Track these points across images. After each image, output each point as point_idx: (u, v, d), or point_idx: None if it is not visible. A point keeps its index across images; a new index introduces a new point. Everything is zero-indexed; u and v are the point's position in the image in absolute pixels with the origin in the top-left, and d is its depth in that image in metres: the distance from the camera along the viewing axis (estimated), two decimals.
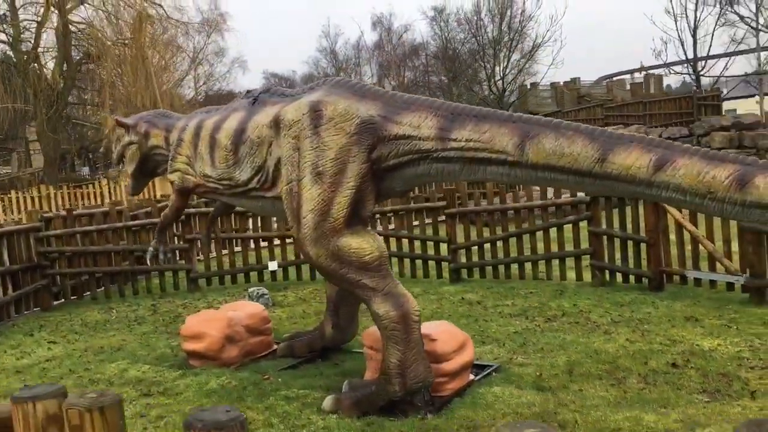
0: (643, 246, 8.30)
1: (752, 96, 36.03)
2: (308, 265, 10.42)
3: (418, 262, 10.00)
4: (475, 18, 50.42)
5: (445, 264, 9.73)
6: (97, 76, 31.61)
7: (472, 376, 5.42)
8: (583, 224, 8.90)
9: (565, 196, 9.02)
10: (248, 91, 6.07)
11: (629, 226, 8.47)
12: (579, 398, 4.81)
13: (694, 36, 31.01)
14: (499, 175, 4.53)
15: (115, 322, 8.57)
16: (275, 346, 6.71)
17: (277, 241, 10.54)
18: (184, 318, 8.27)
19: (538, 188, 9.97)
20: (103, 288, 10.23)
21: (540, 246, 9.19)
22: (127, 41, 28.96)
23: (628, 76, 46.01)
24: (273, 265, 10.28)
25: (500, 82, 39.30)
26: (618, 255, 8.58)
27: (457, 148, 4.55)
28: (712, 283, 7.80)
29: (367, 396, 4.86)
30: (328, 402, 4.96)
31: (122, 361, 6.60)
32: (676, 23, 31.21)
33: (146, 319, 8.58)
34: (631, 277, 8.49)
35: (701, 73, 31.44)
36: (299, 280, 10.35)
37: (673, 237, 8.19)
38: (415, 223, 10.32)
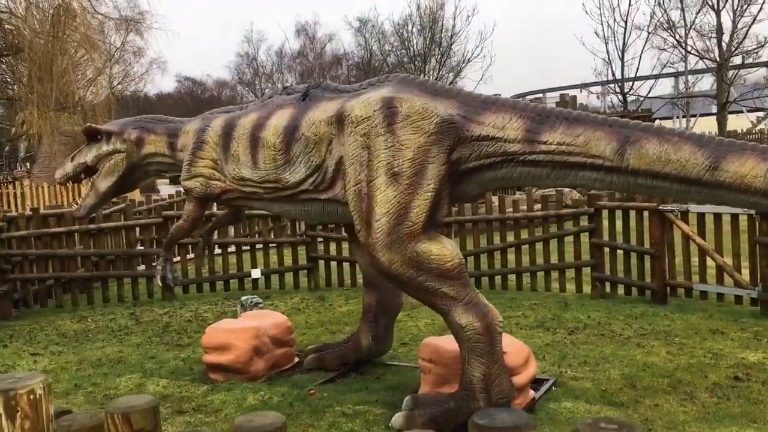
0: (646, 258, 8.34)
1: (671, 118, 37.84)
2: (291, 274, 9.99)
3: None
4: (402, 31, 51.02)
5: None
6: (17, 70, 29.77)
7: (532, 392, 5.20)
8: (584, 236, 8.88)
9: (567, 208, 8.98)
10: (285, 87, 5.66)
11: (632, 238, 8.50)
12: (661, 414, 4.67)
13: (622, 58, 32.13)
14: (592, 181, 4.36)
15: (96, 332, 7.87)
16: (296, 359, 6.29)
17: (259, 247, 10.03)
18: (175, 328, 7.74)
19: (539, 197, 9.90)
20: (70, 295, 9.42)
21: (539, 257, 9.11)
22: (44, 34, 27.29)
23: (541, 95, 47.46)
24: (256, 273, 9.77)
25: None
26: (620, 267, 8.59)
27: (548, 152, 4.34)
28: (719, 296, 7.90)
29: (444, 413, 4.55)
30: (398, 419, 4.62)
31: (132, 375, 6.02)
32: (606, 46, 32.01)
33: (132, 329, 7.92)
34: (634, 290, 8.52)
35: (627, 93, 32.64)
36: (282, 289, 9.88)
37: (678, 250, 8.26)
38: None
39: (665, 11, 26.18)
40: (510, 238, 9.25)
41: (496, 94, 5.49)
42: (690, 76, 29.84)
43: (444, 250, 4.55)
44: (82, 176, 6.53)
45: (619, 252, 8.62)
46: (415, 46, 49.94)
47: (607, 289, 8.66)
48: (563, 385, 5.36)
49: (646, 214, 8.29)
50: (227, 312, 8.57)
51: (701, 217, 7.99)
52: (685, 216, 8.03)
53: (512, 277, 9.25)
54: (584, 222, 8.84)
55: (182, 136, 6.04)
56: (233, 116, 5.66)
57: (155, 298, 9.56)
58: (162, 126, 6.22)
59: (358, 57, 55.98)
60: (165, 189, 39.81)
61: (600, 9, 32.88)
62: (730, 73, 24.62)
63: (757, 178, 3.82)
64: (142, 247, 9.94)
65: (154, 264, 10.07)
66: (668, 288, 8.21)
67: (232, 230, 10.51)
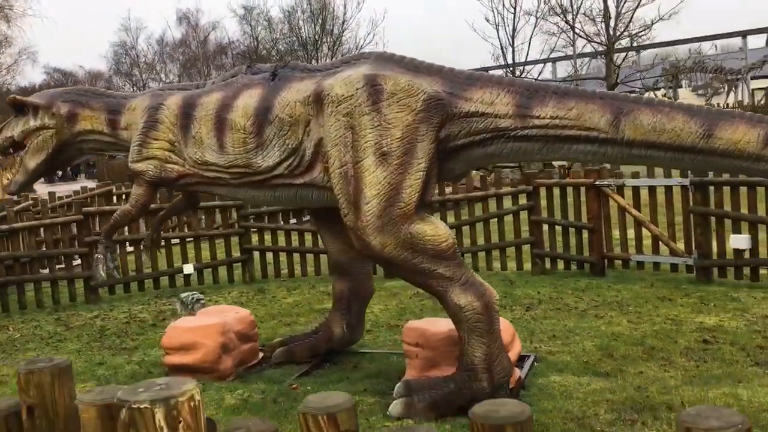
0: (584, 233, 8.57)
1: None
2: (225, 267, 9.58)
3: None
4: (290, 18, 50.39)
5: None
6: None
7: (518, 370, 5.19)
8: (523, 214, 9.02)
9: (506, 187, 9.09)
10: (249, 66, 5.34)
11: (570, 214, 8.71)
12: (649, 380, 4.78)
13: (512, 44, 32.99)
14: (585, 154, 4.38)
15: (23, 341, 7.22)
16: (260, 354, 6.01)
17: (189, 240, 9.55)
18: (113, 331, 7.24)
19: (477, 177, 9.96)
20: None
21: (480, 237, 9.17)
22: None
23: None
24: (188, 268, 9.29)
25: None
26: (558, 243, 8.79)
27: (540, 126, 4.32)
28: (656, 265, 8.23)
29: (445, 395, 4.45)
30: (397, 407, 4.48)
31: (85, 384, 5.54)
32: (497, 32, 32.75)
33: (63, 335, 7.33)
34: (573, 264, 8.74)
35: (519, 77, 33.62)
36: (216, 284, 9.46)
37: (614, 223, 8.55)
38: None
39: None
40: (450, 219, 9.25)
41: None
42: (581, 60, 31.14)
43: (438, 230, 4.44)
44: (10, 151, 5.96)
45: (558, 228, 8.83)
46: (306, 33, 49.50)
47: (547, 265, 8.85)
48: (543, 360, 5.39)
49: (583, 189, 8.51)
50: (164, 311, 8.10)
51: (636, 190, 8.28)
52: (620, 190, 8.31)
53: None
54: (523, 200, 8.97)
55: (126, 113, 5.60)
56: (192, 95, 5.29)
57: (78, 301, 8.90)
58: (99, 101, 5.74)
59: (245, 45, 54.86)
60: (41, 188, 37.64)
61: None
62: (620, 56, 25.90)
63: (749, 143, 3.93)
64: (63, 248, 9.21)
65: (75, 264, 9.40)
66: (606, 260, 8.48)
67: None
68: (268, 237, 9.65)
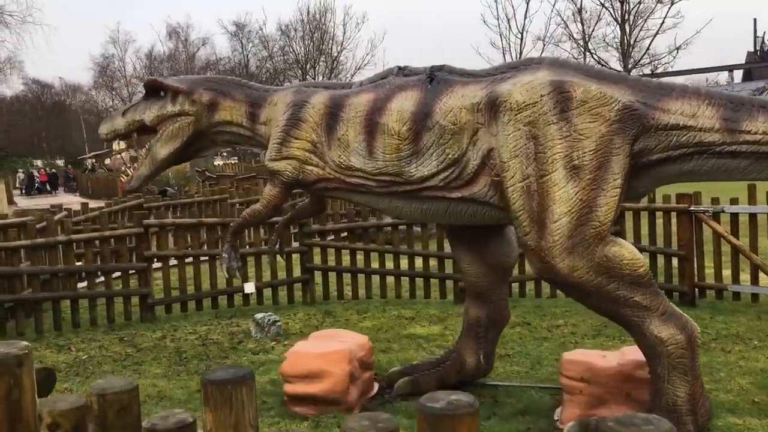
0: (674, 261, 8.20)
1: None
2: (286, 287, 9.04)
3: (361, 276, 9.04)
4: (284, 37, 50.23)
5: (450, 282, 8.90)
6: None
7: None
8: None
9: None
10: (402, 68, 4.90)
11: (659, 239, 8.35)
12: None
13: None
14: None
15: (94, 363, 6.63)
16: (375, 384, 5.52)
17: (249, 256, 9.01)
18: (192, 353, 6.69)
19: None
20: (33, 319, 7.97)
21: None
22: None
23: None
24: (249, 287, 8.74)
25: None
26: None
27: (752, 142, 3.93)
28: (754, 297, 7.86)
29: None
30: None
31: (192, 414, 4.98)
32: (504, 56, 32.70)
33: (137, 357, 6.76)
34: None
35: None
36: (275, 304, 8.91)
37: (709, 250, 8.17)
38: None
39: (566, 24, 27.12)
40: None
41: None
42: None
43: (635, 254, 4.04)
44: (134, 135, 5.48)
45: (646, 255, 8.43)
46: (299, 52, 49.29)
47: None
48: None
49: (674, 214, 8.15)
50: (236, 332, 7.55)
51: (734, 217, 7.93)
52: (716, 217, 7.95)
53: (530, 285, 8.84)
54: None
55: (267, 107, 5.16)
56: (340, 94, 4.85)
57: (134, 320, 8.31)
58: (241, 91, 5.31)
59: (234, 62, 54.53)
60: (24, 201, 36.60)
61: (498, 20, 33.57)
62: None
63: None
64: (121, 262, 8.60)
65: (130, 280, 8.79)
66: (696, 290, 8.10)
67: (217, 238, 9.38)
68: (331, 257, 9.15)
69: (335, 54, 47.88)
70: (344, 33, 46.36)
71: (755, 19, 41.71)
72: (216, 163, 49.79)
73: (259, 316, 7.46)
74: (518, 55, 32.60)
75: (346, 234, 9.21)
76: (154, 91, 5.44)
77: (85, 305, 8.21)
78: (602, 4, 26.01)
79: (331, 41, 48.04)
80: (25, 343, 1.55)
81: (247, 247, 9.29)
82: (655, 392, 4.03)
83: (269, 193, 5.05)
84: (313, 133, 4.84)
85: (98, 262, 8.18)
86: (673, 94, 4.11)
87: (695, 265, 8.08)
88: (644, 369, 4.47)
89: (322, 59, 48.45)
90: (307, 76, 49.22)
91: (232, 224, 5.39)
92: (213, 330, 7.70)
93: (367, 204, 4.99)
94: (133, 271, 8.51)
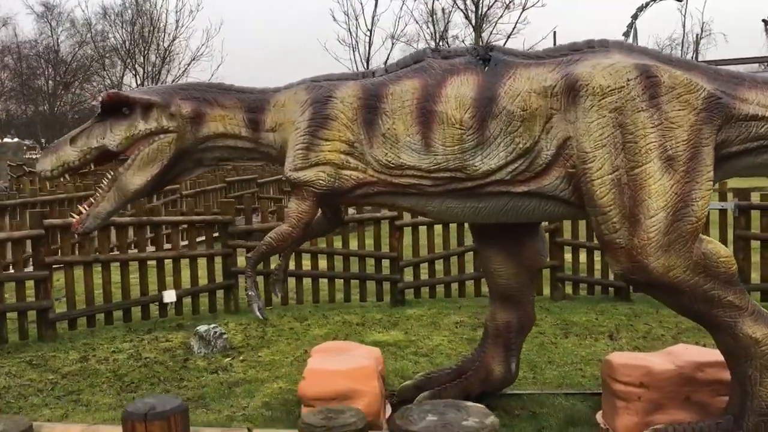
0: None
1: None
2: (207, 295, 8.08)
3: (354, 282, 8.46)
4: (100, 22, 46.96)
5: (387, 284, 8.42)
6: None
7: None
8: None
9: None
10: (437, 49, 4.36)
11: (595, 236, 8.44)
12: None
13: (367, 68, 33.07)
14: None
15: (14, 395, 5.41)
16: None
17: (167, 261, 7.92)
18: (139, 378, 5.77)
19: None
20: None
21: None
22: None
23: None
24: (170, 296, 7.68)
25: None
26: (582, 267, 8.48)
27: None
28: None
29: None
30: None
31: None
32: (353, 53, 32.69)
33: (68, 386, 5.62)
34: (597, 288, 8.46)
35: None
36: (195, 314, 7.92)
37: None
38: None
39: (419, 24, 27.53)
40: (468, 240, 8.56)
41: None
42: None
43: (728, 251, 3.87)
44: (89, 168, 4.41)
45: (582, 251, 8.51)
46: (120, 40, 46.20)
47: (568, 290, 8.49)
48: None
49: None
50: (173, 348, 6.56)
51: None
52: None
53: (470, 284, 8.59)
54: (545, 222, 8.53)
55: (272, 110, 4.35)
56: (374, 83, 4.20)
57: (30, 339, 6.97)
58: (230, 96, 4.41)
59: (43, 46, 50.02)
60: None
61: (347, 17, 33.38)
62: None
63: None
64: (15, 271, 7.15)
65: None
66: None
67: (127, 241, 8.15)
68: None
69: (167, 43, 45.30)
70: (177, 21, 43.84)
71: None
72: (30, 156, 45.17)
73: (202, 328, 6.52)
74: (368, 54, 32.63)
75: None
76: (114, 108, 4.34)
77: None
78: (457, 6, 26.79)
79: (157, 30, 45.32)
80: None
81: (160, 248, 8.15)
82: (743, 395, 3.85)
83: (298, 209, 4.23)
84: (347, 132, 4.15)
85: None
86: (745, 83, 3.97)
87: None
88: (704, 370, 4.33)
89: (153, 48, 45.63)
90: (137, 66, 46.22)
91: (253, 253, 4.41)
92: (142, 347, 6.63)
93: (412, 208, 4.36)
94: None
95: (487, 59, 4.13)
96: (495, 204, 4.13)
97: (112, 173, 4.34)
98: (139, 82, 45.42)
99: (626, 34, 38.14)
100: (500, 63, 4.10)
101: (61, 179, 4.44)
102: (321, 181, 4.15)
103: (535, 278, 4.95)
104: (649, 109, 3.77)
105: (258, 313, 4.31)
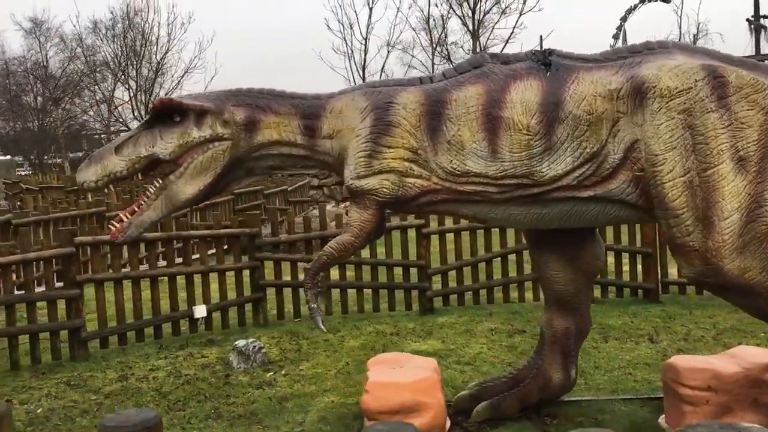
0: (638, 258, 8.32)
1: None
2: (236, 309, 7.99)
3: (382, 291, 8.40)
4: (92, 36, 46.71)
5: (415, 293, 8.36)
6: None
7: None
8: None
9: None
10: (494, 54, 4.33)
11: (623, 238, 8.44)
12: None
13: (363, 76, 33.08)
14: None
15: (53, 419, 5.32)
16: None
17: (197, 277, 7.83)
18: (185, 396, 5.67)
19: None
20: None
21: (512, 267, 8.58)
22: None
23: None
24: (200, 311, 7.60)
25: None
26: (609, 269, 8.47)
27: None
28: None
29: None
30: None
31: None
32: (349, 61, 32.67)
33: (111, 406, 5.53)
34: (626, 291, 8.45)
35: None
36: (225, 328, 7.83)
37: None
38: None
39: (416, 31, 27.61)
40: (495, 247, 8.53)
41: None
42: None
43: None
44: (137, 176, 4.31)
45: (611, 254, 8.49)
46: (110, 54, 45.95)
47: (596, 293, 8.46)
48: None
49: None
50: (211, 364, 6.48)
51: None
52: None
53: (498, 290, 8.55)
54: None
55: (328, 117, 4.28)
56: (436, 89, 4.16)
57: (63, 358, 6.88)
58: (284, 102, 4.34)
59: (31, 62, 49.68)
60: None
61: (342, 25, 33.44)
62: None
63: None
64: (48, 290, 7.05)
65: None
66: (659, 286, 8.29)
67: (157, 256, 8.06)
68: (288, 269, 8.22)
69: (160, 56, 45.06)
70: (169, 33, 43.64)
71: None
72: (22, 173, 44.79)
73: (240, 343, 6.45)
74: (363, 61, 32.64)
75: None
76: (163, 115, 4.24)
77: (4, 345, 6.66)
78: (454, 12, 26.88)
79: (148, 43, 45.04)
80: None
81: (187, 262, 8.07)
82: None
83: (360, 218, 4.16)
84: (411, 138, 4.10)
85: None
86: None
87: (658, 263, 8.26)
88: None
89: (145, 62, 45.40)
90: (129, 80, 45.99)
91: (312, 264, 4.31)
92: (179, 364, 6.54)
93: (475, 216, 4.31)
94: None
95: (548, 63, 4.10)
96: (559, 209, 4.10)
97: (159, 181, 4.26)
98: (131, 96, 45.19)
99: (615, 37, 38.35)
100: (561, 67, 4.07)
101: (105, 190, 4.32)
102: (384, 190, 4.10)
103: (592, 283, 4.92)
104: (718, 109, 3.75)
105: (322, 326, 4.24)
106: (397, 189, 4.11)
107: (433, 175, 4.10)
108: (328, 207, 17.05)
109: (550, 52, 4.21)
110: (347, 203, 15.84)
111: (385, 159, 4.10)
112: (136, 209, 4.28)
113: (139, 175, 4.32)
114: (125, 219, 4.26)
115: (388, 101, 4.17)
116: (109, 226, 4.41)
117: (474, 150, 4.01)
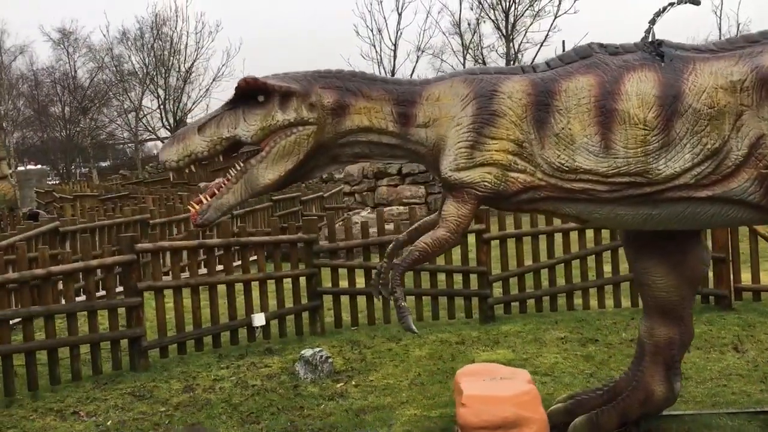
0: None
1: None
2: (293, 316, 7.79)
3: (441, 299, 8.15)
4: (118, 47, 47.00)
5: (475, 300, 8.11)
6: None
7: None
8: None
9: None
10: (603, 45, 4.05)
11: None
12: None
13: None
14: None
15: (133, 423, 5.14)
16: None
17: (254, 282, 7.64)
18: (255, 407, 5.43)
19: None
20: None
21: (590, 272, 8.27)
22: None
23: None
24: (259, 320, 7.42)
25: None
26: None
27: None
28: None
29: None
30: None
31: None
32: (378, 67, 32.52)
33: (183, 417, 5.34)
34: (697, 297, 8.10)
35: None
36: (283, 337, 7.64)
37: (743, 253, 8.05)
38: None
39: (446, 36, 27.45)
40: (559, 252, 8.25)
41: None
42: None
43: None
44: (218, 158, 4.09)
45: None
46: (138, 64, 46.21)
47: None
48: None
49: None
50: (276, 375, 6.28)
51: None
52: None
53: (561, 297, 8.26)
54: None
55: (424, 104, 4.02)
56: (543, 78, 3.91)
57: (123, 368, 6.71)
58: (377, 87, 4.06)
59: (60, 72, 50.16)
60: None
61: (371, 33, 33.34)
62: None
63: None
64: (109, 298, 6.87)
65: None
66: (732, 292, 7.96)
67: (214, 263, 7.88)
68: (344, 276, 8.02)
69: (188, 65, 45.23)
70: (198, 42, 43.81)
71: None
72: (50, 182, 45.17)
73: (307, 353, 6.24)
74: (393, 67, 32.51)
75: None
76: (247, 95, 3.99)
77: (65, 354, 6.51)
78: (487, 16, 26.68)
79: (177, 53, 45.19)
80: None
81: (246, 270, 7.88)
82: None
83: (458, 212, 3.90)
84: (516, 130, 3.85)
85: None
86: None
87: (731, 268, 7.93)
88: None
89: (173, 71, 45.60)
90: (158, 88, 46.22)
91: (402, 260, 4.03)
92: (242, 374, 6.35)
93: (577, 215, 4.05)
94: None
95: (662, 54, 3.84)
96: (671, 211, 3.84)
97: (240, 165, 4.03)
98: (160, 104, 45.44)
99: (644, 40, 37.98)
100: (676, 58, 3.81)
101: (186, 170, 4.07)
102: (486, 183, 3.85)
103: (696, 289, 4.64)
104: None
105: (413, 328, 3.99)
106: (500, 183, 3.85)
107: (537, 170, 3.85)
108: (362, 213, 16.91)
109: (660, 42, 3.95)
110: (376, 209, 15.59)
111: (488, 151, 3.85)
112: (216, 191, 4.06)
113: (220, 158, 4.10)
114: (205, 201, 4.05)
115: (492, 89, 3.92)
116: (188, 206, 4.21)
117: (584, 144, 3.76)
